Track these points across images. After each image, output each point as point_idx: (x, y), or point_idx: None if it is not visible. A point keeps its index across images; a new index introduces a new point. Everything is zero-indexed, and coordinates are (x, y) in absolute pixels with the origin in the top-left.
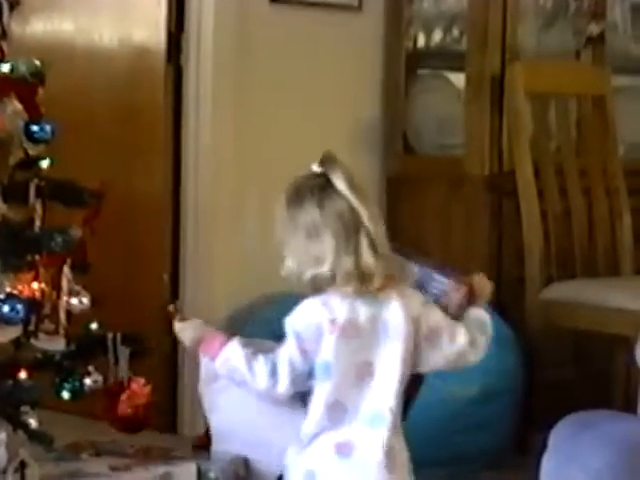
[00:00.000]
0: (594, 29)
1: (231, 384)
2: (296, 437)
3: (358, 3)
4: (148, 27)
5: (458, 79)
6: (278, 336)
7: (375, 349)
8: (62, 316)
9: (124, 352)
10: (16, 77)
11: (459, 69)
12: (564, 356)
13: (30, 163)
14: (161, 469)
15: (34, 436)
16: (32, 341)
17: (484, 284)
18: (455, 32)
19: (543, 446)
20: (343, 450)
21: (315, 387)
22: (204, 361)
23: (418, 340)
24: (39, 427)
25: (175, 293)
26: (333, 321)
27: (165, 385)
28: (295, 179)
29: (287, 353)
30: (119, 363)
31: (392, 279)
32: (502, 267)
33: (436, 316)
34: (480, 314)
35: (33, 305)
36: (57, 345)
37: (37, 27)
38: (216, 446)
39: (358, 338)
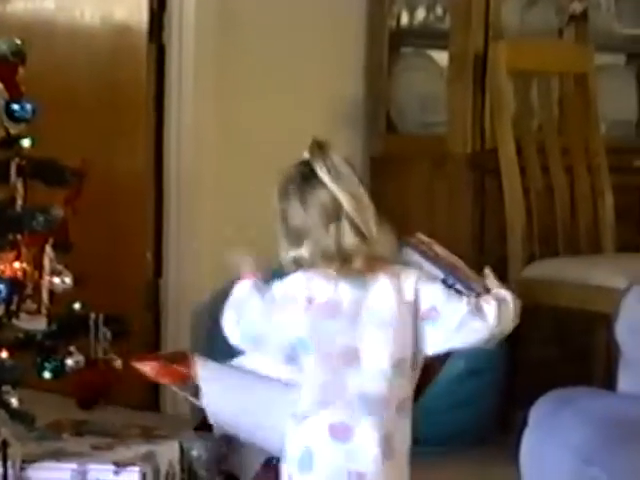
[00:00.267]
0: (577, 7)
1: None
2: (291, 413)
3: None
4: (130, 5)
5: (441, 57)
6: None
7: (360, 333)
8: (44, 296)
9: (106, 332)
10: None
11: (442, 47)
12: (546, 334)
13: (11, 142)
14: (143, 448)
15: (15, 415)
16: (14, 321)
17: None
18: (438, 10)
19: (524, 423)
20: (336, 433)
21: (302, 365)
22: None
23: (417, 320)
24: (20, 406)
25: (158, 272)
26: (310, 299)
27: None
28: (286, 168)
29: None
30: (100, 343)
31: (383, 261)
32: (485, 245)
33: (435, 291)
34: (497, 291)
35: (15, 285)
36: (39, 325)
37: (18, 5)
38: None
39: (339, 320)
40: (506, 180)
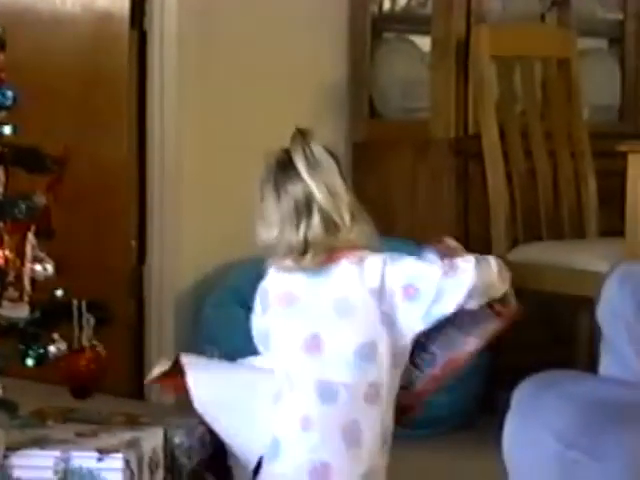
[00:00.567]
0: None
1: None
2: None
3: None
4: None
5: (424, 43)
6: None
7: (322, 322)
8: (26, 283)
9: (89, 319)
10: None
11: (425, 33)
12: (530, 317)
13: None
14: (127, 435)
15: None
16: None
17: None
18: None
19: (507, 406)
20: (304, 423)
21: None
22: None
23: (389, 305)
24: (3, 394)
25: (142, 259)
26: (274, 292)
27: (131, 352)
28: (270, 153)
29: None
30: (84, 330)
31: (351, 249)
32: (468, 230)
33: (406, 267)
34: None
35: None
36: (21, 312)
37: None
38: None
39: (297, 310)
40: (489, 165)
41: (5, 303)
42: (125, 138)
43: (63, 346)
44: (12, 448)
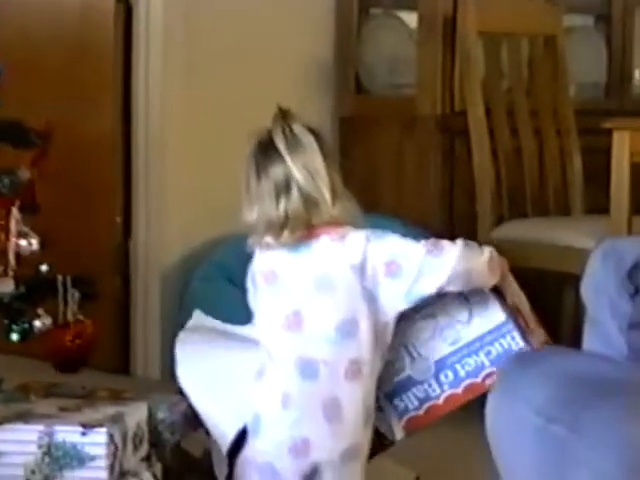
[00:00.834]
0: None
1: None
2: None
3: None
4: None
5: (411, 19)
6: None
7: (303, 298)
8: (11, 258)
9: (74, 294)
10: None
11: (412, 9)
12: None
13: None
14: (112, 409)
15: None
16: None
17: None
18: None
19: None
20: (285, 400)
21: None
22: None
23: (371, 281)
24: None
25: (127, 234)
26: (260, 272)
27: (117, 327)
28: (255, 132)
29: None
30: (69, 305)
31: (333, 225)
32: (454, 206)
33: (389, 244)
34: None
35: None
36: (6, 287)
37: None
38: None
39: (279, 287)
40: (475, 142)
41: None
42: (110, 112)
43: (48, 321)
44: None
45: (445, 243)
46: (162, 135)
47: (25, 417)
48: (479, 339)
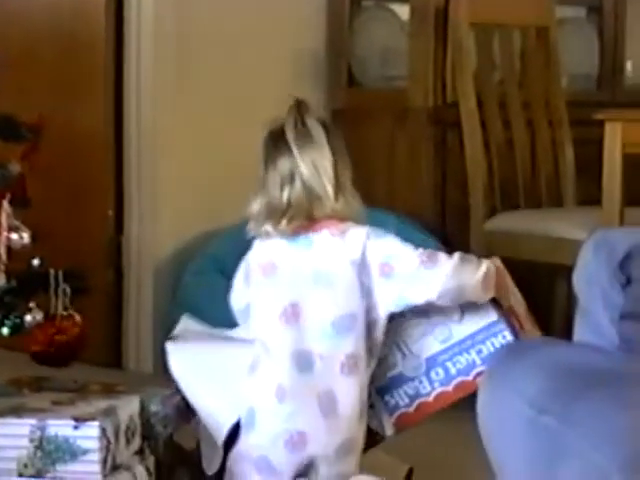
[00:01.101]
0: None
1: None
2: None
3: None
4: None
5: (402, 11)
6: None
7: (301, 290)
8: (2, 252)
9: (66, 288)
10: None
11: (404, 0)
12: None
13: None
14: (104, 403)
15: None
16: None
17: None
18: None
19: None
20: (280, 393)
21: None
22: None
23: (368, 277)
24: None
25: (120, 229)
26: (256, 263)
27: (109, 320)
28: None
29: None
30: (60, 299)
31: (335, 220)
32: (446, 198)
33: (386, 245)
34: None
35: None
36: None
37: None
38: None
39: (278, 278)
40: (467, 133)
41: None
42: (102, 106)
43: (39, 315)
44: None
45: (441, 256)
46: (154, 129)
47: (17, 411)
48: (471, 337)
